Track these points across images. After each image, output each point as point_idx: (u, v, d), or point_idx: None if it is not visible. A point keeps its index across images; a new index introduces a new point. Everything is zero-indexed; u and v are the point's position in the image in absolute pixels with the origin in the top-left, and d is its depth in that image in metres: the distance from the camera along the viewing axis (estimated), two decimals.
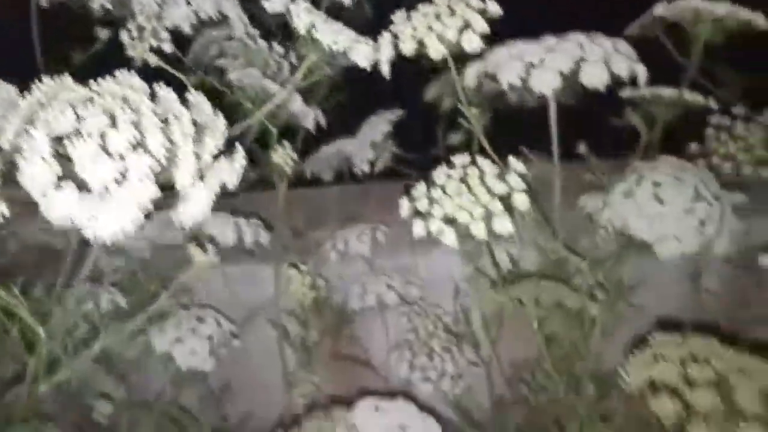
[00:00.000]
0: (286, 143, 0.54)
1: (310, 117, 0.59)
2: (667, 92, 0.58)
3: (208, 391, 0.67)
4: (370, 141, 0.77)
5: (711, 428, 0.28)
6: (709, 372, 0.30)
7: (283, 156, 0.53)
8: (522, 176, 0.36)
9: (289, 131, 0.63)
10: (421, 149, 0.79)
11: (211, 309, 0.66)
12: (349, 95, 0.80)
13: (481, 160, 0.38)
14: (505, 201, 0.35)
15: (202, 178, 0.31)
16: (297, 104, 0.57)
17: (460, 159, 0.38)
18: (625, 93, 0.61)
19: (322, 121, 0.63)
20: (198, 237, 0.50)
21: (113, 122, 0.29)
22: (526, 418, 0.68)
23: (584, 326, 0.54)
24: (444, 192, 0.36)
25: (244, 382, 0.71)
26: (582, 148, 0.57)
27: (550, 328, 0.52)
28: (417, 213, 0.37)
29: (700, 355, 0.31)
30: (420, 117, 0.77)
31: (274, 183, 0.57)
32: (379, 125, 0.77)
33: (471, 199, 0.35)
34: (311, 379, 0.68)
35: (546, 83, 0.42)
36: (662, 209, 0.48)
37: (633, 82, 0.50)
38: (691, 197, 0.48)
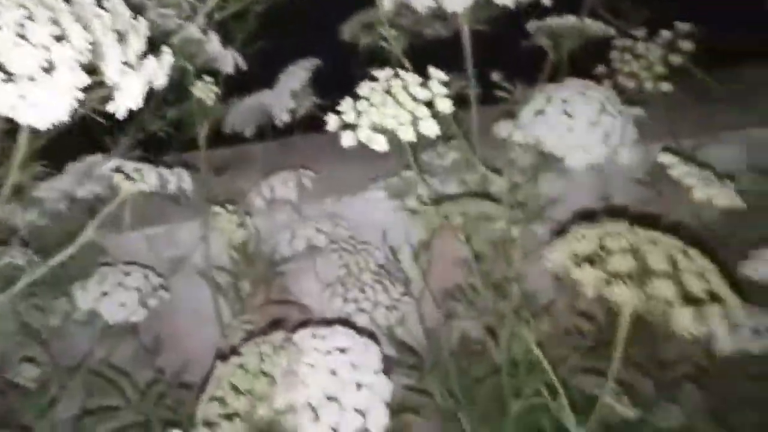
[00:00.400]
0: (206, 77, 0.53)
1: (228, 59, 0.58)
2: (571, 21, 0.61)
3: (140, 346, 0.66)
4: (289, 90, 0.76)
5: (629, 287, 0.31)
6: (623, 242, 0.33)
7: (204, 90, 0.52)
8: (443, 83, 0.37)
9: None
10: (343, 96, 0.80)
11: (136, 265, 0.64)
12: (267, 43, 0.79)
13: (403, 72, 0.39)
14: (430, 108, 0.36)
15: (130, 71, 0.30)
16: (214, 45, 0.55)
17: (384, 73, 0.39)
18: (532, 25, 0.64)
19: (242, 64, 0.61)
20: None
21: (30, 17, 0.28)
22: (459, 342, 0.71)
23: (507, 245, 0.57)
24: (370, 104, 0.37)
25: (177, 336, 0.70)
26: (495, 75, 0.59)
27: (477, 246, 0.55)
28: (345, 126, 0.37)
29: (614, 232, 0.34)
30: (340, 63, 0.77)
31: (195, 124, 0.56)
32: (296, 74, 0.77)
33: (396, 107, 0.36)
34: (245, 328, 0.67)
35: (458, 2, 0.44)
36: (571, 123, 0.51)
37: (537, 5, 0.52)
38: (596, 111, 0.51)
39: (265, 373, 0.37)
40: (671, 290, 0.30)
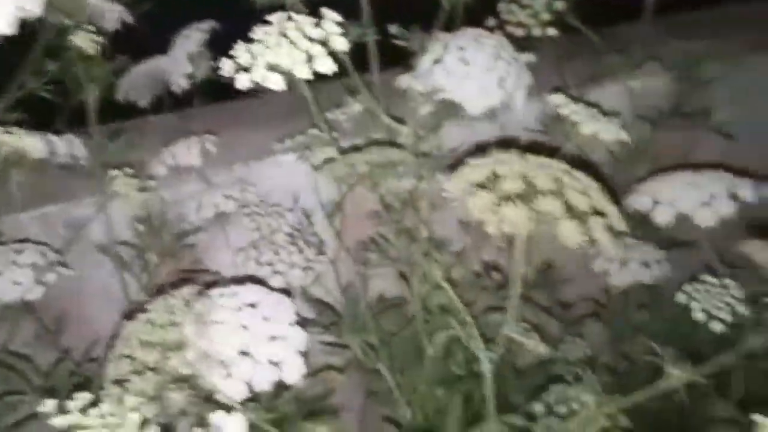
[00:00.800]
0: (87, 26, 0.50)
1: (113, 15, 0.55)
2: None
3: (41, 328, 0.62)
4: (185, 54, 0.73)
5: (518, 206, 0.33)
6: (513, 168, 0.35)
7: (85, 39, 0.49)
8: (337, 23, 0.38)
9: None
10: None
11: (30, 242, 0.61)
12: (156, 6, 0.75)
13: (296, 15, 0.39)
14: (325, 46, 0.37)
15: None
16: None
17: (277, 16, 0.39)
18: None
19: (129, 19, 0.58)
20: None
21: None
22: (376, 298, 0.73)
23: (415, 194, 0.59)
24: (265, 46, 0.37)
25: (82, 314, 0.67)
26: (394, 28, 0.60)
27: (386, 197, 0.56)
28: (240, 69, 0.37)
29: (505, 160, 0.36)
30: (238, 23, 0.75)
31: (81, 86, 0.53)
32: (192, 37, 0.74)
33: (291, 47, 0.36)
34: None
35: None
36: (468, 69, 0.53)
37: None
38: (491, 57, 0.53)
39: (175, 324, 0.36)
40: (557, 206, 0.33)
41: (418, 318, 0.59)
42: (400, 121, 0.55)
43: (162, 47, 0.75)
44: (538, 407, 0.50)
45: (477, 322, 0.50)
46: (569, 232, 0.32)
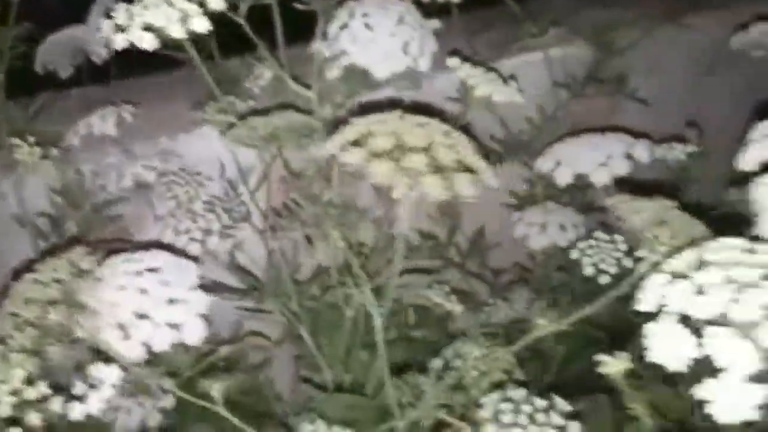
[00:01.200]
0: None
1: None
2: None
3: None
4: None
5: (388, 162, 0.34)
6: (387, 127, 0.36)
7: None
8: None
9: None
10: None
11: None
12: None
13: None
14: (202, 6, 0.37)
15: None
16: None
17: None
18: None
19: None
20: None
21: None
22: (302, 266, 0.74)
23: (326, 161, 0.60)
24: (143, 6, 0.37)
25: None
26: None
27: (295, 163, 0.57)
28: (117, 29, 0.37)
29: (383, 120, 0.38)
30: None
31: None
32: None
33: (168, 7, 0.36)
34: None
35: None
36: (372, 35, 0.54)
37: None
38: (395, 22, 0.54)
39: (58, 281, 0.37)
40: (422, 162, 0.34)
41: (335, 282, 0.61)
42: (307, 85, 0.56)
43: (75, 16, 0.74)
44: (436, 363, 0.52)
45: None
46: (432, 187, 0.34)
